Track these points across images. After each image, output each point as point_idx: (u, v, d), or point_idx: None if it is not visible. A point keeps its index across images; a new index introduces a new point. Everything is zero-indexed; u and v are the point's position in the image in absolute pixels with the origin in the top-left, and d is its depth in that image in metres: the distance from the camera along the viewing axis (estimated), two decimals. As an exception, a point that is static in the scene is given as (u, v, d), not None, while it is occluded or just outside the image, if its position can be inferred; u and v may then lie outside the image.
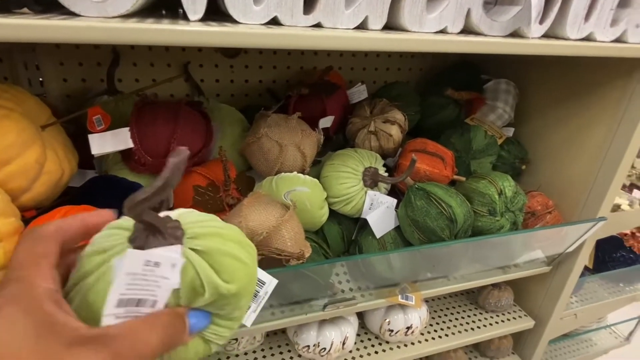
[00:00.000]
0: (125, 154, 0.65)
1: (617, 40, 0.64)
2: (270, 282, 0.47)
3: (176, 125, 0.59)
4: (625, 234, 1.10)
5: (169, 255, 0.24)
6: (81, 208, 0.52)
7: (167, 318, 0.25)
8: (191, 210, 0.29)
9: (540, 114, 0.91)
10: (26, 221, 0.50)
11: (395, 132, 0.78)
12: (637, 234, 1.10)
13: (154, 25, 0.40)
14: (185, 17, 0.44)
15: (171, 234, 0.25)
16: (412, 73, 1.09)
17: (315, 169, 0.78)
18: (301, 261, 0.52)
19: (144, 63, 0.87)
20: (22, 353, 0.21)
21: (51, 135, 0.55)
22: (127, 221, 0.27)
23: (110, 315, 0.23)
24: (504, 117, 0.90)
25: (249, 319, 0.45)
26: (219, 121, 0.75)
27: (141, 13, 0.48)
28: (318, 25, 0.50)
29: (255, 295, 0.46)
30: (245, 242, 0.29)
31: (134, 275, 0.23)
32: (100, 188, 0.61)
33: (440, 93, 0.92)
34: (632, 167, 1.25)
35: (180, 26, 0.42)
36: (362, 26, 0.52)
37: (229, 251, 0.26)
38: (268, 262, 0.49)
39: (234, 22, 0.46)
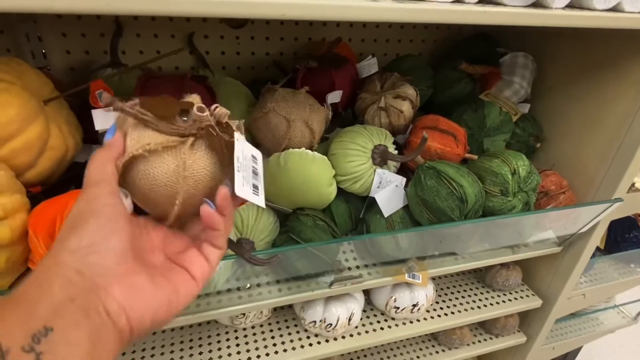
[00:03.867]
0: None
1: (648, 10, 0.60)
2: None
3: (181, 100, 0.57)
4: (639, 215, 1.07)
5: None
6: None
7: None
8: None
9: (558, 90, 0.87)
10: (32, 197, 0.50)
11: (407, 108, 0.75)
12: (652, 215, 1.07)
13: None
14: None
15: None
16: (425, 45, 1.05)
17: (323, 145, 0.76)
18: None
19: (148, 34, 0.84)
20: None
21: (54, 109, 0.54)
22: None
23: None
24: (520, 93, 0.86)
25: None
26: (224, 96, 0.73)
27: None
28: (326, -6, 0.47)
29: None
30: None
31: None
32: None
33: (454, 67, 0.88)
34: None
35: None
36: (373, -6, 0.49)
37: None
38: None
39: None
